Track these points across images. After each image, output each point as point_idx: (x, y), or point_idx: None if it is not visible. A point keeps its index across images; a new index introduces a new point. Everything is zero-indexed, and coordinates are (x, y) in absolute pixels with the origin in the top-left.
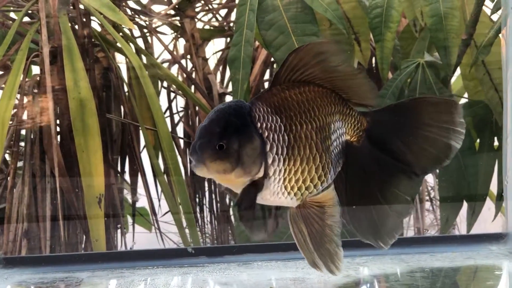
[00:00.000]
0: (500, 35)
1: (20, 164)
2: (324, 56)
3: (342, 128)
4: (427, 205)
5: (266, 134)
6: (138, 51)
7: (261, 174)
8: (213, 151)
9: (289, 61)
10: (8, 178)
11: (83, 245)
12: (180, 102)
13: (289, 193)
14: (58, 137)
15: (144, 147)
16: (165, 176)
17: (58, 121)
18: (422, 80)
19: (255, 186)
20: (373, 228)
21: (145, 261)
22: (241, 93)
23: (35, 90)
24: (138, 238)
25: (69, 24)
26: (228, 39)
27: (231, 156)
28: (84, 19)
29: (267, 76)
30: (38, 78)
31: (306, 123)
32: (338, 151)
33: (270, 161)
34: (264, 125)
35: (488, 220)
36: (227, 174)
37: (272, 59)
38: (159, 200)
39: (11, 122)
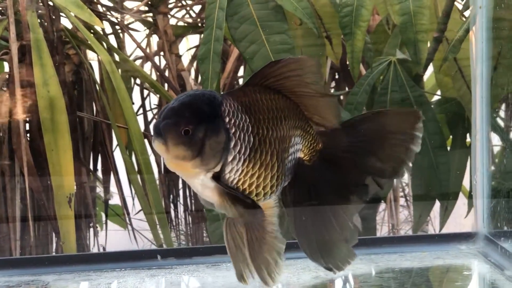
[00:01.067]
0: (470, 33)
1: None
2: (301, 72)
3: (299, 144)
4: (402, 201)
5: (233, 130)
6: (110, 49)
7: (217, 169)
8: (178, 134)
9: (267, 68)
10: None
11: (54, 246)
12: (154, 99)
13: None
14: (28, 135)
15: (117, 145)
16: (138, 175)
17: (27, 119)
18: (394, 77)
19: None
20: (324, 251)
21: (113, 263)
22: None
23: (4, 88)
24: (112, 236)
25: (38, 21)
26: (202, 36)
27: (194, 144)
28: (54, 16)
29: (241, 72)
30: (7, 76)
31: (272, 129)
32: (290, 166)
33: (230, 158)
34: (233, 121)
35: (463, 215)
36: (185, 161)
37: None
38: (132, 199)
39: None
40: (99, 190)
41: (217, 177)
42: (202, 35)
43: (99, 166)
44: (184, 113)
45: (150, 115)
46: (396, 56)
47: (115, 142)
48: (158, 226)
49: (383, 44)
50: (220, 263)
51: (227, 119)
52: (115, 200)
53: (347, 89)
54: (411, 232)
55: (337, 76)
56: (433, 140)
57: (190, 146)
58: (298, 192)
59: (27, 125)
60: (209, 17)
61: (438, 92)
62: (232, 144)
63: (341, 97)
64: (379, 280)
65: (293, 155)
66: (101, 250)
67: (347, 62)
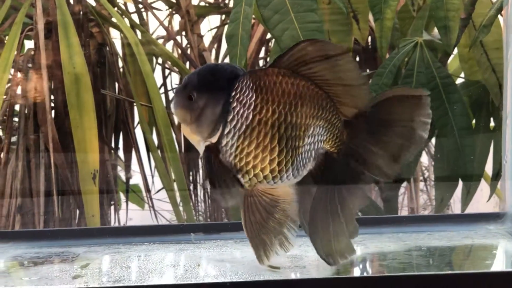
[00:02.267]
0: (500, 15)
1: (13, 139)
2: (335, 61)
3: (323, 135)
4: (421, 185)
5: (234, 105)
6: (133, 26)
7: (214, 140)
8: (182, 98)
9: (297, 49)
10: (2, 153)
11: (76, 221)
12: (175, 78)
13: (237, 172)
14: (53, 112)
15: (138, 123)
16: (159, 153)
17: (52, 96)
18: (420, 59)
19: (210, 151)
20: (326, 242)
21: (141, 237)
22: None
23: (29, 65)
24: (130, 215)
25: None
26: (223, 16)
27: (193, 110)
28: None
29: (262, 54)
30: (32, 53)
31: (281, 113)
32: (309, 155)
33: (226, 131)
34: (237, 96)
35: (480, 201)
36: (185, 125)
37: (268, 36)
38: (152, 177)
39: (5, 97)
40: (120, 169)
41: (216, 149)
42: (231, 13)
43: (120, 145)
44: (194, 80)
45: (171, 95)
46: (423, 37)
47: (136, 121)
48: (180, 204)
49: (407, 26)
50: (246, 239)
51: (233, 93)
52: (133, 179)
53: (368, 71)
54: None
55: (357, 58)
56: (459, 122)
57: (190, 111)
58: (323, 183)
59: (52, 102)
60: None
61: (462, 75)
62: (230, 117)
63: None
64: (408, 258)
65: (314, 145)
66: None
67: (369, 44)
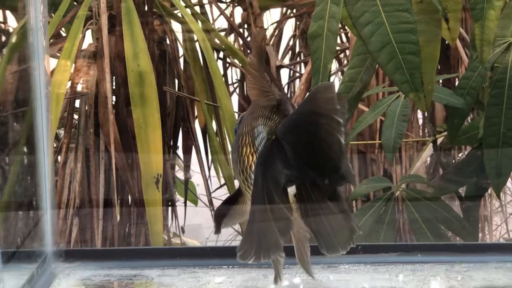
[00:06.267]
0: None
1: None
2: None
3: (263, 132)
4: None
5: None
6: (195, 15)
7: None
8: None
9: None
10: (61, 153)
11: (134, 228)
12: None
13: None
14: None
15: (196, 117)
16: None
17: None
18: None
19: None
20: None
21: (219, 259)
22: (324, 73)
23: (91, 60)
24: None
25: None
26: (284, 9)
27: None
28: None
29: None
30: (94, 48)
31: (245, 126)
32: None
33: None
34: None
35: None
36: None
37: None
38: (210, 178)
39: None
40: (177, 169)
41: None
42: (314, 10)
43: (179, 144)
44: None
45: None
46: None
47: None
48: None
49: None
50: (337, 264)
51: None
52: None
53: (438, 67)
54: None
55: None
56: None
57: None
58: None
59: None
60: None
61: None
62: None
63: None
64: None
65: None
66: (181, 232)
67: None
